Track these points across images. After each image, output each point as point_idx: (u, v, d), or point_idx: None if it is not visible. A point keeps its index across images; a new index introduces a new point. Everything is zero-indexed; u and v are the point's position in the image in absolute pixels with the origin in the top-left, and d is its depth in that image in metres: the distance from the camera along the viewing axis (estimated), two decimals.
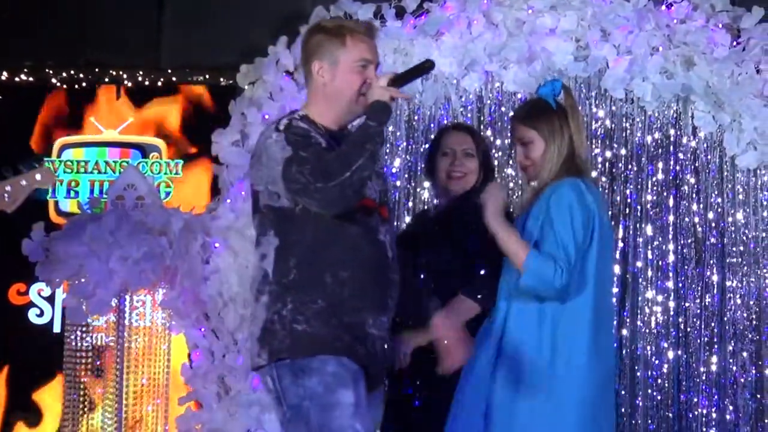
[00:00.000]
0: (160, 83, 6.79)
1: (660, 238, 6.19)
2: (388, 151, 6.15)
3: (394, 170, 6.11)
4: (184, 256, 5.92)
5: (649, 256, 6.17)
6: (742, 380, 5.99)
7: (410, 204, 6.17)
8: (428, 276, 4.64)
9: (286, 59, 6.11)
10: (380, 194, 4.05)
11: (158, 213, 5.98)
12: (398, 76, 3.98)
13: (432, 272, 4.66)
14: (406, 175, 6.20)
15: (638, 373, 6.06)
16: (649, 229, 6.19)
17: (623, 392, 6.07)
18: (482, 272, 4.59)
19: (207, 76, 6.59)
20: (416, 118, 6.19)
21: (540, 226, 4.13)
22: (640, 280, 6.16)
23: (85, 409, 6.01)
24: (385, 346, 3.94)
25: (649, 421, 6.05)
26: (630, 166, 6.24)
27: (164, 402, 6.09)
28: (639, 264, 6.17)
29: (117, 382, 5.94)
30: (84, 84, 7.02)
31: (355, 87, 4.00)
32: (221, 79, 6.56)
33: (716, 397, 5.99)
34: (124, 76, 6.95)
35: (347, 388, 3.80)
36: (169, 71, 6.70)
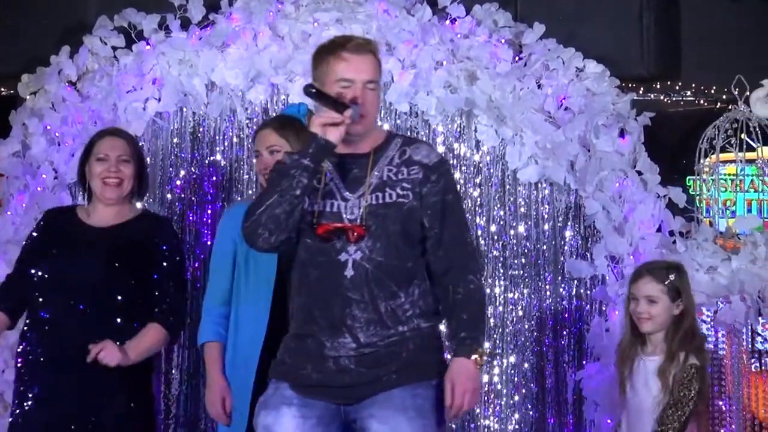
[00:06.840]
0: None
1: None
2: (172, 163, 6.10)
3: (178, 182, 6.04)
4: None
5: None
6: (524, 392, 6.06)
7: (192, 217, 6.10)
8: None
9: (69, 69, 6.02)
10: (364, 210, 3.79)
11: None
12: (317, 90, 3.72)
13: None
14: (190, 187, 6.13)
15: None
16: None
17: None
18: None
19: None
20: (201, 129, 6.13)
21: None
22: None
23: None
24: (350, 364, 3.76)
25: None
26: None
27: None
28: None
29: None
30: None
31: None
32: (2, 89, 6.40)
33: (498, 408, 6.04)
34: None
35: (267, 411, 3.80)
36: None
